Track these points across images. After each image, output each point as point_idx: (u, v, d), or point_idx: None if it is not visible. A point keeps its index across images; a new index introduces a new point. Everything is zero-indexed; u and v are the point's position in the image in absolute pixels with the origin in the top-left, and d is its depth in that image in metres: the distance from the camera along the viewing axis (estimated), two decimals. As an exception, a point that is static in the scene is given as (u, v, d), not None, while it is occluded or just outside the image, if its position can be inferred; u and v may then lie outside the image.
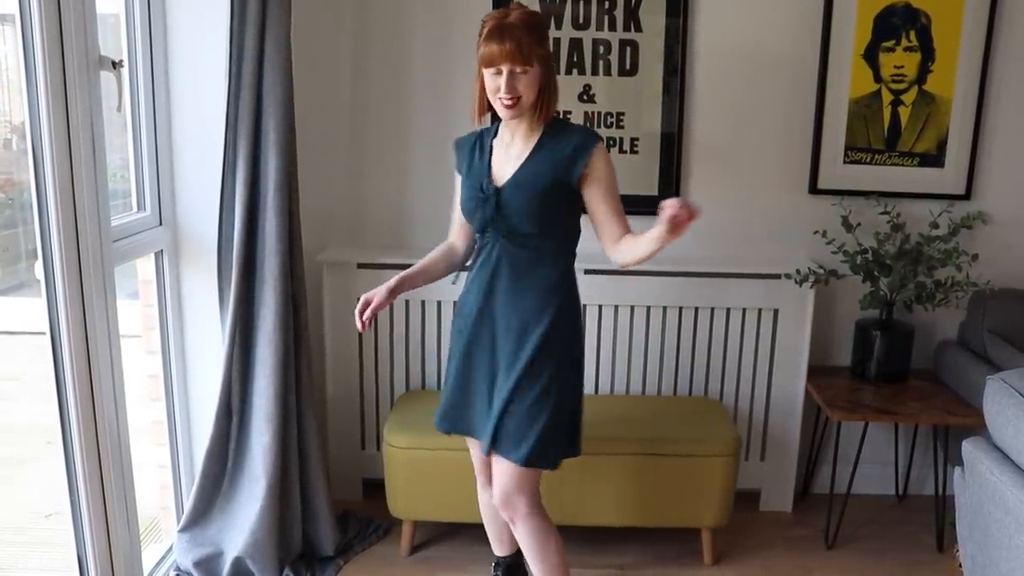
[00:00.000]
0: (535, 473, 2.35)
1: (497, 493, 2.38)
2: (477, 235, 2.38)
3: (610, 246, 2.31)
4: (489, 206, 2.27)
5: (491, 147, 2.35)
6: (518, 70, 2.16)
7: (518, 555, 2.69)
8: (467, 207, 2.34)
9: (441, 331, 3.25)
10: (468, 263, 2.48)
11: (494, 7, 3.12)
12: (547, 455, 2.31)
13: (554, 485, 2.71)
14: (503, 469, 2.34)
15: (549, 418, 2.28)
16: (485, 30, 2.18)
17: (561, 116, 2.45)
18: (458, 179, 2.42)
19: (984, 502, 2.11)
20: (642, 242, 2.19)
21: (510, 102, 2.19)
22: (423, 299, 3.20)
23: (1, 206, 3.21)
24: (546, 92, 2.24)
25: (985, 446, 2.15)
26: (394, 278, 2.38)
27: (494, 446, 2.32)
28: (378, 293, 2.35)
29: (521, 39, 2.14)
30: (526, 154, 2.28)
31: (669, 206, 1.97)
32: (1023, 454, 1.97)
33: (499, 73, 2.17)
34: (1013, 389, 2.04)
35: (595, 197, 2.28)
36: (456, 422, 2.46)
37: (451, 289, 3.16)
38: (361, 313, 2.34)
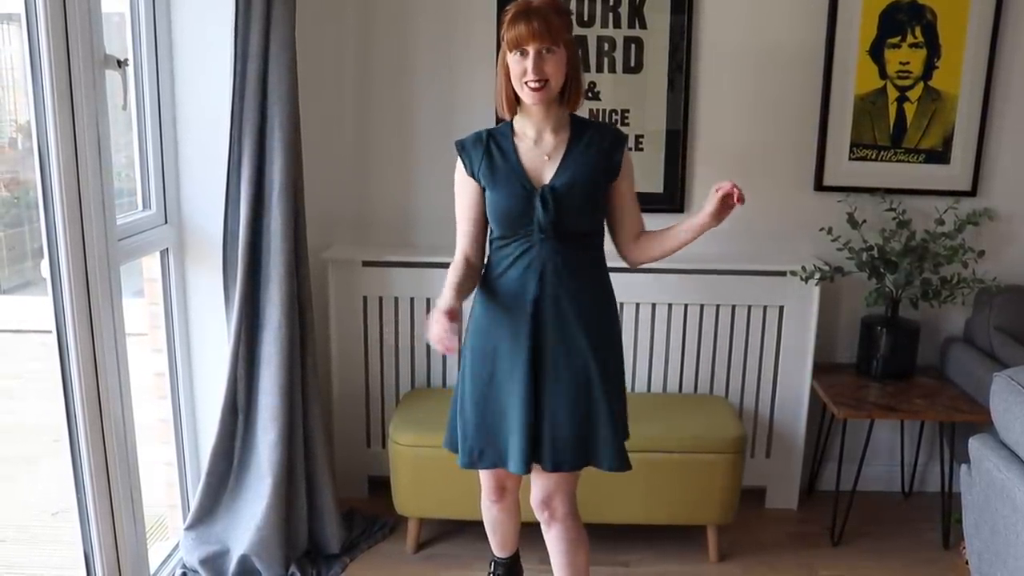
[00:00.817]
0: (578, 475, 2.32)
1: (537, 495, 2.33)
2: (497, 240, 2.25)
3: (628, 243, 2.29)
4: (541, 207, 2.16)
5: (514, 146, 2.23)
6: (545, 50, 2.09)
7: (517, 556, 2.70)
8: (508, 211, 2.19)
9: (446, 329, 3.25)
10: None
11: (498, 2, 3.12)
12: (625, 456, 2.27)
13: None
14: (549, 473, 2.27)
15: (625, 417, 2.30)
16: (509, 15, 2.11)
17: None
18: (466, 186, 2.26)
19: (991, 499, 2.11)
20: (670, 236, 2.21)
21: (537, 85, 2.10)
22: (428, 296, 3.20)
23: (6, 205, 3.22)
24: (573, 80, 2.17)
25: (992, 443, 2.15)
26: (445, 303, 2.10)
27: (559, 462, 2.22)
28: (448, 323, 2.04)
29: (548, 19, 2.08)
30: (562, 150, 2.20)
31: (723, 187, 2.05)
32: (1030, 451, 1.97)
33: (525, 55, 2.09)
34: (1020, 386, 2.04)
35: (624, 192, 2.25)
36: (492, 458, 2.29)
37: (456, 287, 3.16)
38: (446, 345, 2.05)
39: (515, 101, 2.20)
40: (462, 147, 2.27)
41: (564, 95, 2.18)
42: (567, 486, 2.31)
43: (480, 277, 2.30)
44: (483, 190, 2.24)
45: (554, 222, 2.15)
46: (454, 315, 2.05)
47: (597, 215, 2.26)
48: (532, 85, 2.10)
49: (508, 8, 2.15)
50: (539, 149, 2.21)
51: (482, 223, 2.28)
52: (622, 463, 2.25)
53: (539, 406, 2.21)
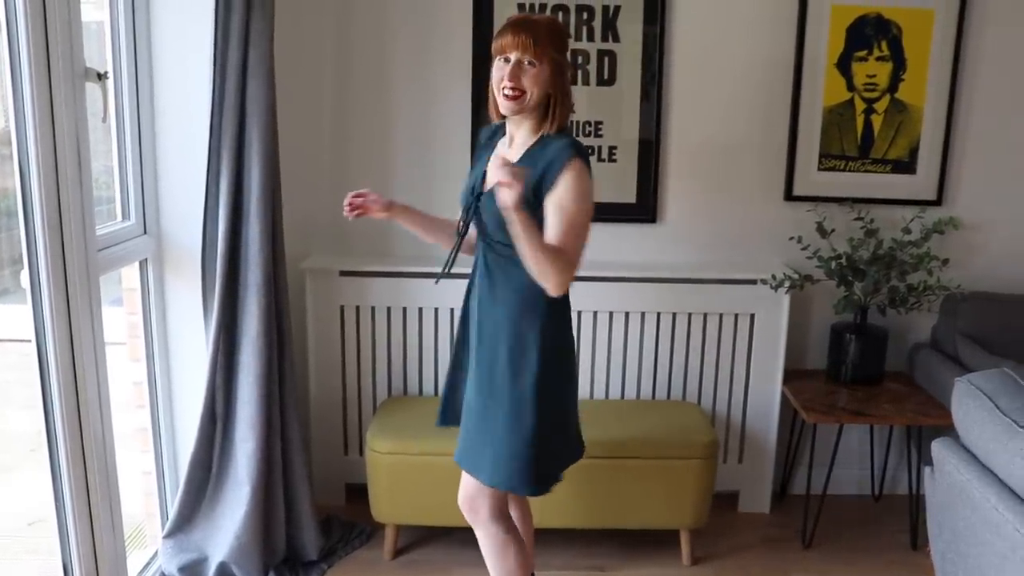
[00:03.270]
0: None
1: (461, 494, 2.40)
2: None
3: None
4: (471, 210, 2.26)
5: (496, 147, 2.32)
6: (526, 62, 2.09)
7: None
8: (461, 204, 2.32)
9: (422, 338, 3.29)
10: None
11: (475, 18, 3.17)
12: (503, 479, 2.25)
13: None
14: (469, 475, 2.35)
15: (506, 444, 2.21)
16: (504, 23, 2.14)
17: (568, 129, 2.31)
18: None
19: (952, 500, 2.17)
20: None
21: (512, 93, 2.10)
22: (404, 306, 3.24)
23: (-20, 212, 3.21)
24: (556, 100, 2.14)
25: (953, 446, 2.21)
26: (400, 202, 2.37)
27: (459, 456, 2.34)
28: (380, 198, 2.33)
29: (537, 35, 2.08)
30: (517, 159, 2.19)
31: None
32: (988, 453, 2.03)
33: (507, 62, 2.11)
34: (979, 390, 2.10)
35: (546, 213, 2.11)
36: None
37: (431, 297, 3.21)
38: (354, 198, 2.30)
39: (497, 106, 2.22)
40: (480, 135, 2.44)
41: (547, 112, 2.16)
42: (489, 492, 2.34)
43: (468, 250, 2.41)
44: None
45: (480, 230, 2.26)
46: (390, 210, 2.34)
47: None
48: (507, 92, 2.12)
49: (509, 18, 2.19)
50: (507, 154, 2.26)
51: None
52: (486, 477, 2.28)
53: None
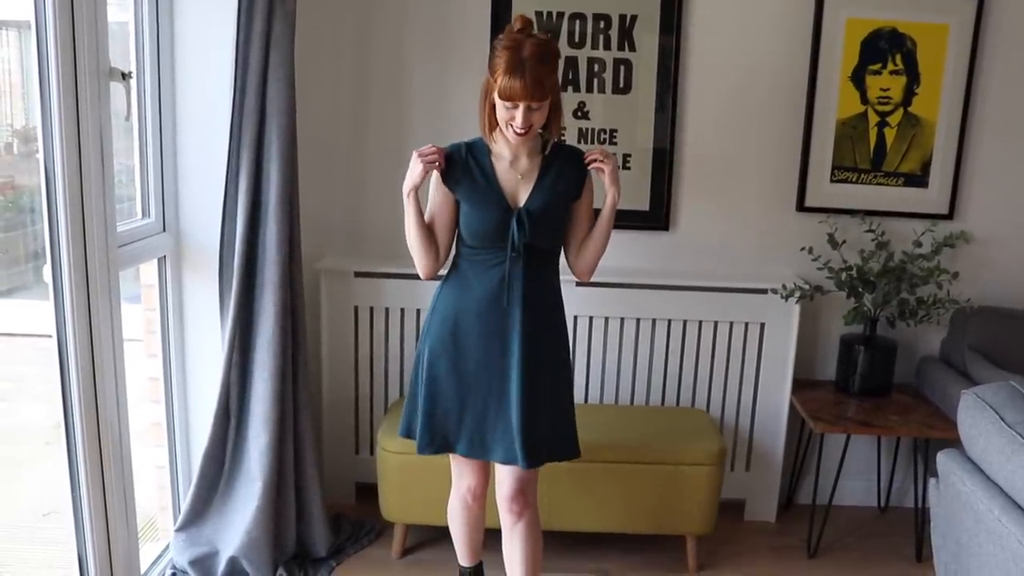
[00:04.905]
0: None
1: (512, 487, 2.44)
2: (468, 248, 2.38)
3: (575, 252, 2.47)
4: (516, 228, 2.30)
5: (491, 164, 2.35)
6: (534, 106, 2.19)
7: (481, 565, 2.76)
8: (483, 227, 2.33)
9: (435, 339, 3.32)
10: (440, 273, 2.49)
11: (492, 25, 3.20)
12: (576, 447, 2.48)
13: (543, 490, 2.78)
14: (518, 467, 2.41)
15: (572, 415, 2.48)
16: (501, 63, 2.18)
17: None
18: (441, 195, 2.38)
19: (956, 512, 2.19)
20: (597, 226, 2.42)
21: (523, 132, 2.23)
22: (417, 308, 3.27)
23: (1, 209, 3.25)
24: (555, 118, 2.30)
25: (959, 458, 2.23)
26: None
27: (530, 456, 2.36)
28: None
29: (538, 75, 2.16)
30: (535, 173, 2.34)
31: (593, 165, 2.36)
32: (993, 465, 2.05)
33: (515, 107, 2.19)
34: (985, 403, 2.12)
35: (582, 211, 2.43)
36: (470, 445, 2.43)
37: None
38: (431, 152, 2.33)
39: (495, 126, 2.30)
40: (450, 157, 2.38)
41: (545, 127, 2.31)
42: (536, 478, 2.49)
43: (441, 269, 2.47)
44: (456, 201, 2.38)
45: (527, 243, 2.31)
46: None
47: (561, 234, 2.44)
48: (519, 132, 2.23)
49: (500, 46, 2.21)
50: (514, 170, 2.35)
51: (450, 227, 2.41)
52: (570, 453, 2.48)
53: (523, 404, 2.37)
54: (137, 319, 2.91)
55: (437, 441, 2.44)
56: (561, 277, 2.48)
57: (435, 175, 2.37)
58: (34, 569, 2.95)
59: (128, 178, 2.79)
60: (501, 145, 2.34)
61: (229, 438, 2.84)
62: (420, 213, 2.37)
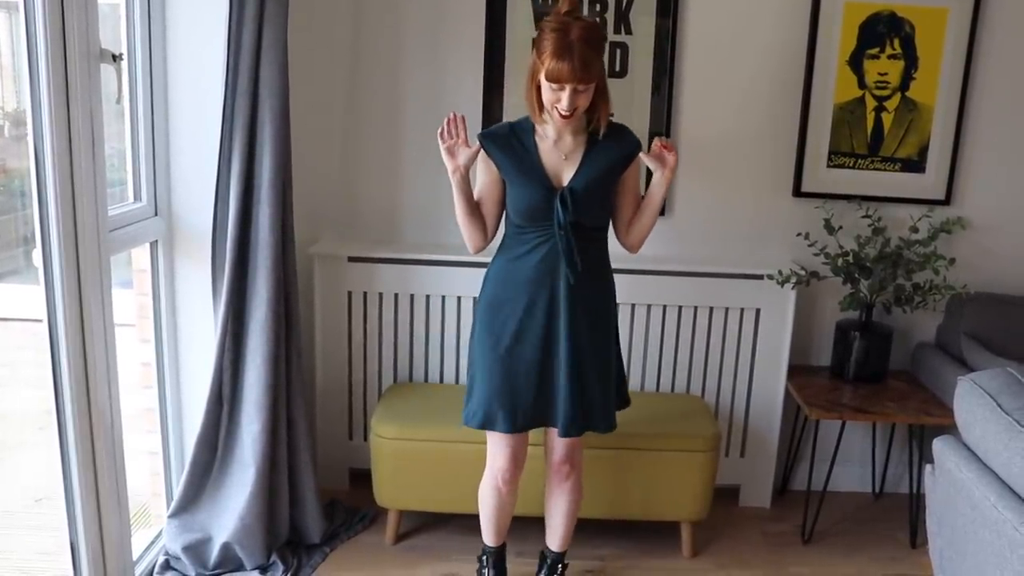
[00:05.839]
0: None
1: (561, 453, 2.58)
2: (516, 227, 2.44)
3: (625, 228, 2.54)
4: (560, 207, 2.34)
5: (535, 144, 2.39)
6: (581, 88, 2.22)
7: (504, 547, 2.77)
8: (530, 205, 2.38)
9: (429, 325, 3.31)
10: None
11: (487, 4, 3.17)
12: (613, 422, 2.59)
13: (537, 476, 2.77)
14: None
15: (612, 392, 2.58)
16: (549, 45, 2.20)
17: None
18: (488, 174, 2.44)
19: (952, 498, 2.19)
20: (648, 201, 2.49)
21: (568, 114, 2.27)
22: (412, 293, 3.26)
23: (-7, 192, 3.22)
24: (602, 102, 2.34)
25: (954, 444, 2.22)
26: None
27: (585, 422, 2.49)
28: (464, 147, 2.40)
29: (586, 58, 2.19)
30: (580, 152, 2.39)
31: (655, 153, 2.41)
32: (989, 452, 2.04)
33: (562, 88, 2.22)
34: (982, 389, 2.11)
35: (629, 186, 2.49)
36: (529, 418, 2.50)
37: (438, 284, 3.23)
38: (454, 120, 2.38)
39: (542, 107, 2.33)
40: (486, 138, 2.44)
41: (592, 113, 2.35)
42: (581, 442, 2.60)
43: (490, 245, 2.54)
44: (502, 180, 2.43)
45: (572, 221, 2.34)
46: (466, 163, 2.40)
47: (608, 211, 2.49)
48: (564, 114, 2.26)
49: (547, 28, 2.24)
50: (558, 149, 2.39)
51: (498, 205, 2.48)
52: (611, 425, 2.57)
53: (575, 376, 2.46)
54: (129, 304, 2.89)
55: (479, 415, 2.50)
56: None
57: (481, 154, 2.43)
58: (27, 555, 2.94)
59: (119, 161, 2.76)
60: (548, 126, 2.38)
61: (222, 424, 2.83)
62: (464, 191, 2.42)
